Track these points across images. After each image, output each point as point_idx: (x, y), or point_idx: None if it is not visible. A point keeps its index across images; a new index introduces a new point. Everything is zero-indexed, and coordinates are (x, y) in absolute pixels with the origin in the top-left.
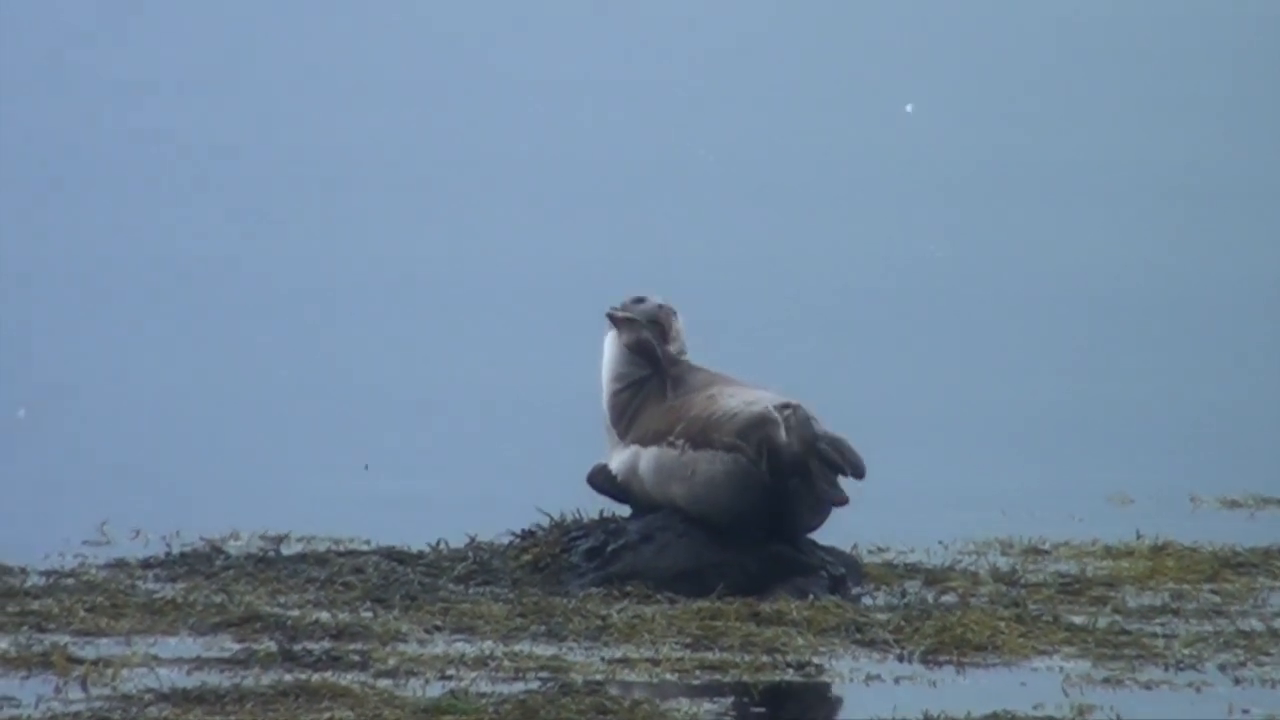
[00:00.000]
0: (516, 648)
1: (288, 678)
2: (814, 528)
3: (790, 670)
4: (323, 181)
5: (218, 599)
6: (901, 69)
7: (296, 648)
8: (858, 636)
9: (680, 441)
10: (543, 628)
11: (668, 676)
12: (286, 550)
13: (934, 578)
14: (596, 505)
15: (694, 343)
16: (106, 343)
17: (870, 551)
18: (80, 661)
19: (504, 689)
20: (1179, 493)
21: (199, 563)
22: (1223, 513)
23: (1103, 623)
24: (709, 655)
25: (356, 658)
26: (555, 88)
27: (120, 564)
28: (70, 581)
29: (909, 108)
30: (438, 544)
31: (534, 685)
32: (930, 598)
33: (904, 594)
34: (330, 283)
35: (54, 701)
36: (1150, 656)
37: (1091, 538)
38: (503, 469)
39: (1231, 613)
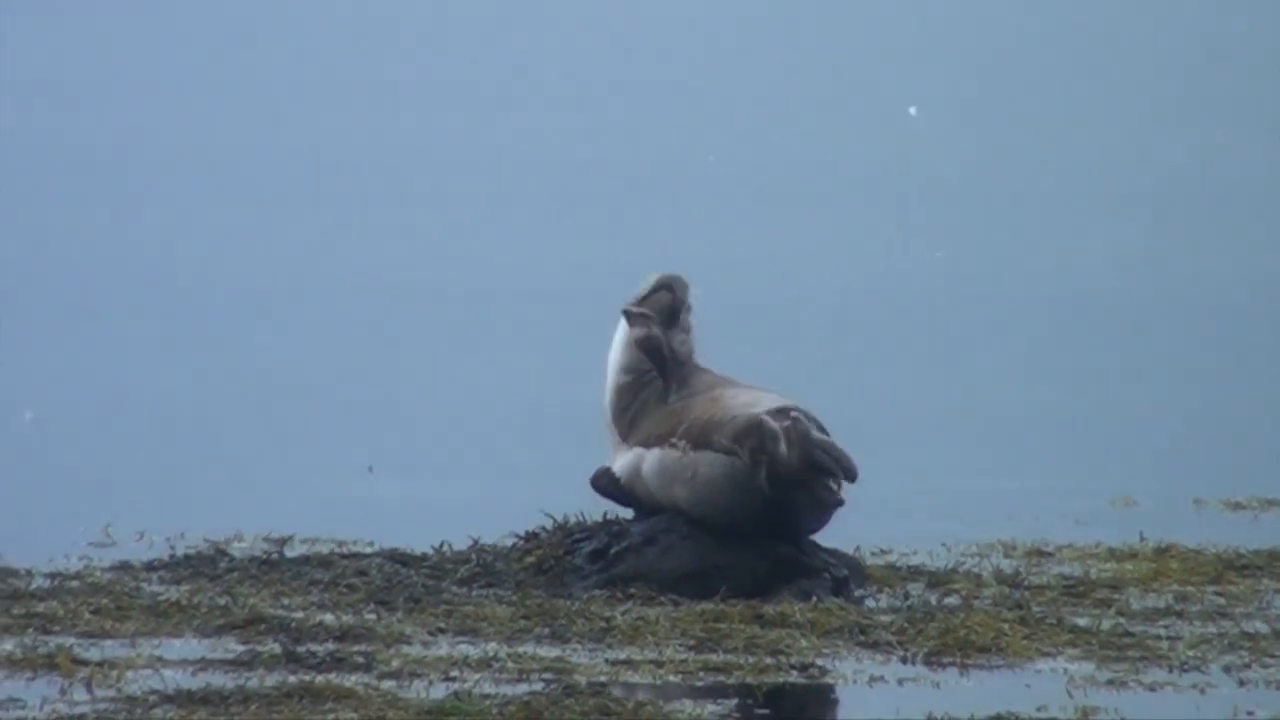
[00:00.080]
0: (520, 649)
1: (292, 679)
2: (815, 530)
3: (794, 672)
4: (323, 182)
5: (222, 601)
6: (905, 71)
7: (300, 649)
8: (861, 638)
9: (682, 443)
10: (546, 630)
11: (671, 678)
12: (290, 552)
13: (937, 580)
14: (600, 507)
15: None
16: (110, 345)
17: (873, 554)
18: (85, 663)
19: (508, 690)
20: (1183, 495)
21: (203, 565)
22: (1227, 515)
23: (1107, 625)
24: (713, 657)
25: (360, 659)
26: (556, 88)
27: (125, 566)
28: (75, 583)
29: (913, 110)
30: (441, 546)
31: (538, 687)
32: (933, 600)
33: (907, 596)
34: (332, 285)
35: (59, 703)
36: (1154, 658)
37: (1095, 540)
38: (506, 471)
39: (1236, 615)
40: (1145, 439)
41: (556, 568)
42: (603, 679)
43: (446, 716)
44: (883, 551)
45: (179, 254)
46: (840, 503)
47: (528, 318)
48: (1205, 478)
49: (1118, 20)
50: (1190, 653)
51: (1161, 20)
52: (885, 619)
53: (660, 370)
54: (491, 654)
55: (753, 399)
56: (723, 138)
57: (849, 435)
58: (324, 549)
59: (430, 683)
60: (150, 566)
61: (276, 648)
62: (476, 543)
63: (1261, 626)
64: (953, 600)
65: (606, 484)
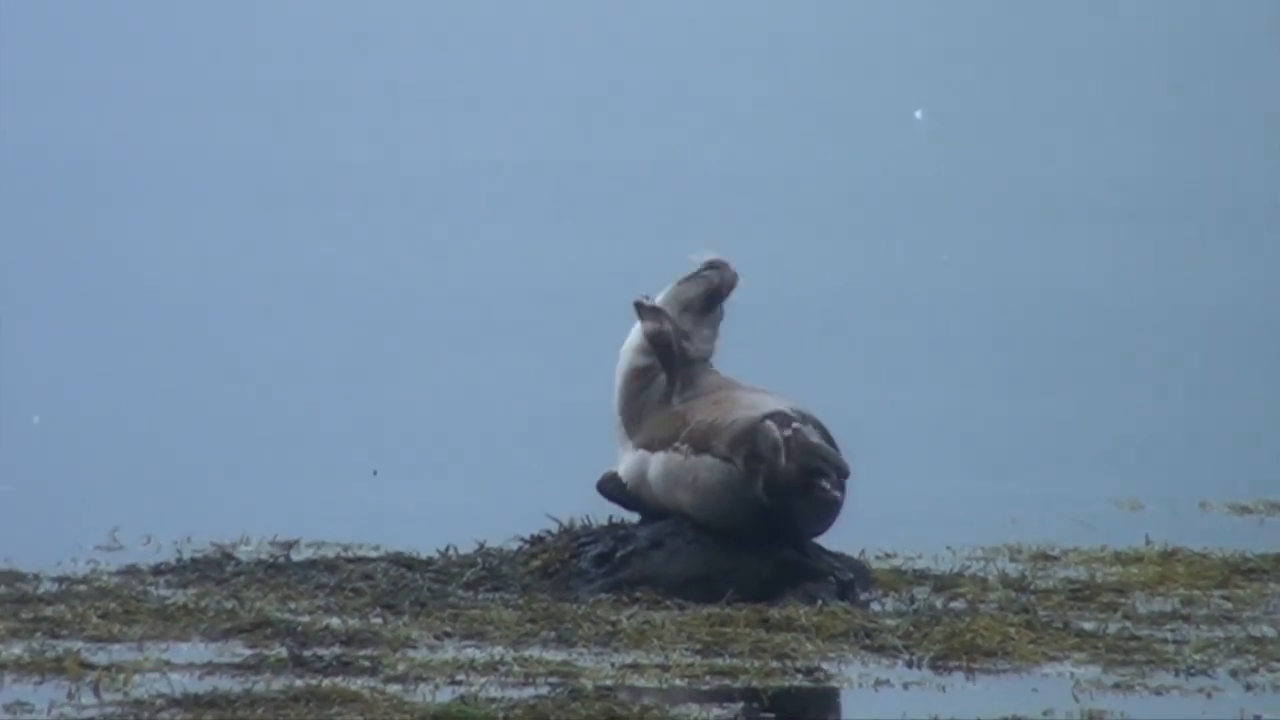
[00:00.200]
0: (526, 653)
1: (298, 683)
2: (818, 534)
3: (799, 676)
4: (324, 188)
5: (229, 605)
6: (908, 74)
7: (307, 653)
8: (867, 642)
9: (684, 447)
10: (552, 633)
11: (677, 682)
12: (296, 556)
13: (943, 584)
14: (605, 511)
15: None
16: (116, 349)
17: (878, 557)
18: (93, 667)
19: (514, 694)
20: (1188, 498)
21: (210, 569)
22: (1232, 518)
23: (1113, 629)
24: (718, 661)
25: (366, 663)
26: (557, 91)
27: (132, 570)
28: (82, 588)
29: (918, 114)
30: (447, 550)
31: (544, 691)
32: (939, 604)
33: (913, 600)
34: (336, 288)
35: (67, 707)
36: (1161, 662)
37: (1101, 544)
38: (511, 475)
39: (1242, 618)
40: (1151, 442)
41: (562, 571)
42: (609, 683)
43: None
44: (888, 555)
45: (183, 258)
46: (836, 499)
47: (532, 320)
48: (1211, 481)
49: (1119, 26)
50: (1197, 657)
51: (1162, 27)
52: (891, 623)
53: (666, 366)
54: (497, 658)
55: (755, 403)
56: (725, 140)
57: (853, 440)
58: (330, 553)
59: (436, 686)
60: (157, 570)
61: (283, 652)
62: (482, 546)
63: (1268, 630)
64: (958, 604)
65: (612, 488)
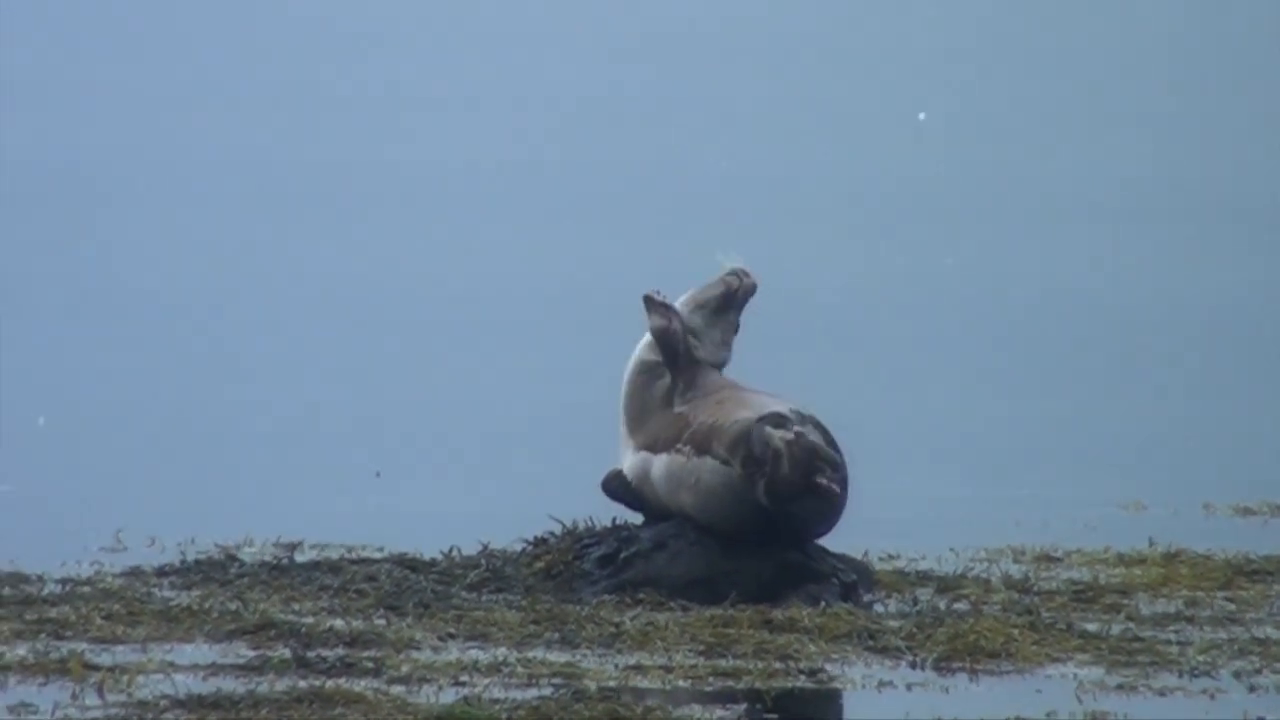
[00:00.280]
0: (529, 655)
1: (302, 684)
2: (821, 534)
3: (803, 677)
4: (324, 189)
5: (232, 606)
6: (912, 76)
7: (310, 655)
8: (870, 643)
9: (687, 448)
10: (556, 635)
11: (680, 683)
12: (300, 558)
13: (946, 585)
14: (609, 512)
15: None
16: (121, 351)
17: (881, 559)
18: (97, 668)
19: (517, 695)
20: (1192, 500)
21: (214, 570)
22: (1236, 520)
23: (1116, 630)
24: (722, 662)
25: (370, 664)
26: (559, 93)
27: (136, 571)
28: (87, 589)
29: (922, 115)
30: (450, 551)
31: (547, 692)
32: (942, 605)
33: (916, 601)
34: (337, 289)
35: (71, 708)
36: (1164, 663)
37: (1104, 545)
38: (515, 476)
39: (1246, 620)
40: (1154, 444)
41: (566, 573)
42: (612, 684)
43: None
44: (891, 557)
45: (185, 258)
46: (836, 492)
47: (534, 320)
48: (1214, 483)
49: (1119, 27)
50: (1200, 658)
51: (1162, 27)
52: (894, 624)
53: (671, 365)
54: (501, 659)
55: (756, 405)
56: (725, 140)
57: (855, 441)
58: (334, 554)
59: (440, 688)
60: (161, 572)
61: (287, 653)
62: (486, 548)
63: (1272, 632)
64: (962, 605)
65: (617, 486)
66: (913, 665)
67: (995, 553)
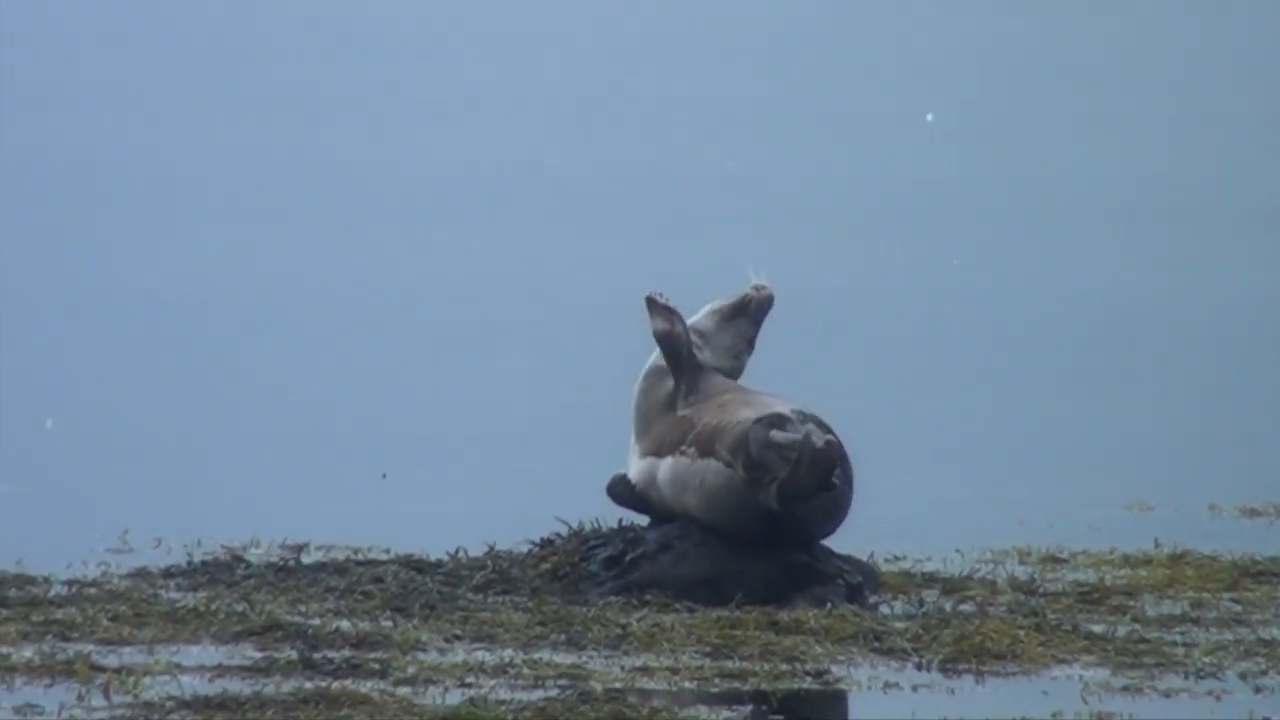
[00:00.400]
0: (536, 656)
1: (308, 686)
2: (826, 535)
3: (809, 678)
4: (324, 190)
5: (239, 607)
6: (910, 77)
7: (317, 656)
8: (876, 645)
9: (691, 450)
10: (562, 636)
11: (687, 685)
12: (306, 559)
13: (952, 586)
14: (615, 514)
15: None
16: (127, 353)
17: (887, 560)
18: (103, 669)
19: (523, 697)
20: (1198, 501)
21: (220, 571)
22: (1242, 521)
23: (1122, 631)
24: (728, 663)
25: (376, 666)
26: (561, 96)
27: (142, 573)
28: (93, 590)
29: (930, 117)
30: (456, 553)
31: (553, 693)
32: (948, 606)
33: (922, 603)
34: (339, 290)
35: (77, 709)
36: (1170, 665)
37: (1110, 546)
38: (521, 478)
39: (1252, 621)
40: (1160, 445)
41: (572, 574)
42: (618, 685)
43: None
44: (897, 558)
45: (187, 260)
46: (835, 486)
47: (538, 322)
48: (1221, 484)
49: (1122, 28)
50: (1206, 659)
51: (1165, 28)
52: (900, 625)
53: (674, 368)
54: (507, 660)
55: (759, 406)
56: (725, 141)
57: (862, 442)
58: (340, 556)
59: (446, 689)
60: (168, 573)
61: (293, 654)
62: (492, 549)
63: (1278, 633)
64: (968, 607)
65: (622, 490)
66: (918, 667)
67: (1001, 554)
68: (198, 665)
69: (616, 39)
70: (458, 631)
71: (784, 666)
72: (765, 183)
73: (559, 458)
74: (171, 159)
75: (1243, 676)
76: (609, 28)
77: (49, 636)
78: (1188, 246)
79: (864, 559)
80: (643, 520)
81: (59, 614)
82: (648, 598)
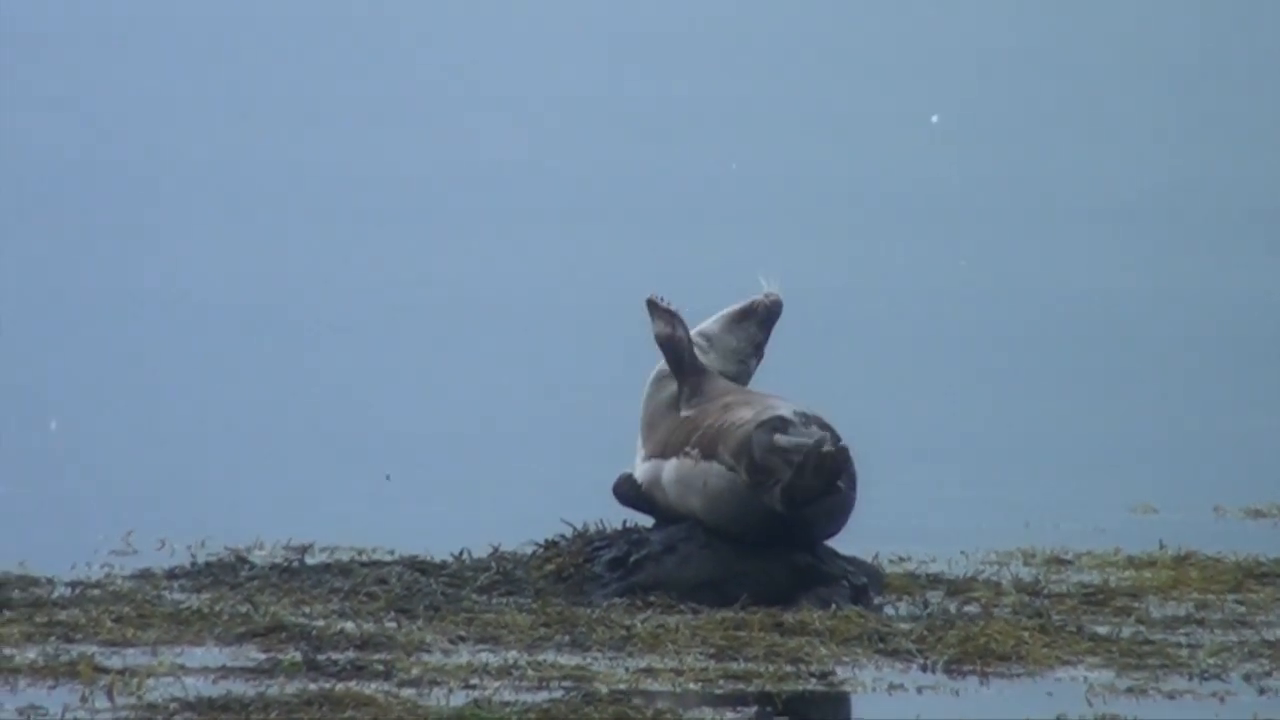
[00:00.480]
0: (540, 657)
1: (312, 687)
2: (830, 536)
3: (813, 680)
4: (329, 195)
5: (243, 609)
6: (911, 79)
7: (321, 657)
8: (881, 646)
9: (694, 451)
10: (566, 637)
11: (691, 686)
12: (310, 560)
13: (957, 588)
14: (619, 516)
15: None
16: (131, 355)
17: (892, 561)
18: (106, 671)
19: (528, 698)
20: (1203, 502)
21: (224, 573)
22: (1247, 523)
23: (1126, 633)
24: (732, 665)
25: (380, 667)
26: (559, 94)
27: (146, 574)
28: (97, 592)
29: (935, 118)
30: (461, 554)
31: (558, 695)
32: (953, 608)
33: (926, 604)
34: (345, 294)
35: (80, 711)
36: (1174, 666)
37: (1114, 548)
38: (525, 479)
39: (1256, 623)
40: (1165, 447)
41: (576, 576)
42: (623, 687)
43: None
44: (901, 559)
45: (198, 268)
46: (840, 490)
47: (543, 324)
48: (1225, 485)
49: (1125, 29)
50: (1210, 661)
51: (1168, 30)
52: (905, 627)
53: (676, 371)
54: (511, 662)
55: (761, 408)
56: (726, 142)
57: (865, 443)
58: (344, 557)
59: (450, 690)
60: (171, 574)
61: (297, 656)
62: (496, 550)
63: None
64: (972, 608)
65: (628, 489)
66: (923, 668)
67: (1005, 555)
68: (201, 667)
69: (617, 39)
70: (462, 633)
71: (789, 668)
72: (766, 183)
73: (563, 459)
74: (171, 159)
75: (1247, 678)
76: (609, 28)
77: (53, 638)
78: (1195, 248)
79: (869, 560)
80: (647, 522)
81: (63, 615)
82: (652, 599)
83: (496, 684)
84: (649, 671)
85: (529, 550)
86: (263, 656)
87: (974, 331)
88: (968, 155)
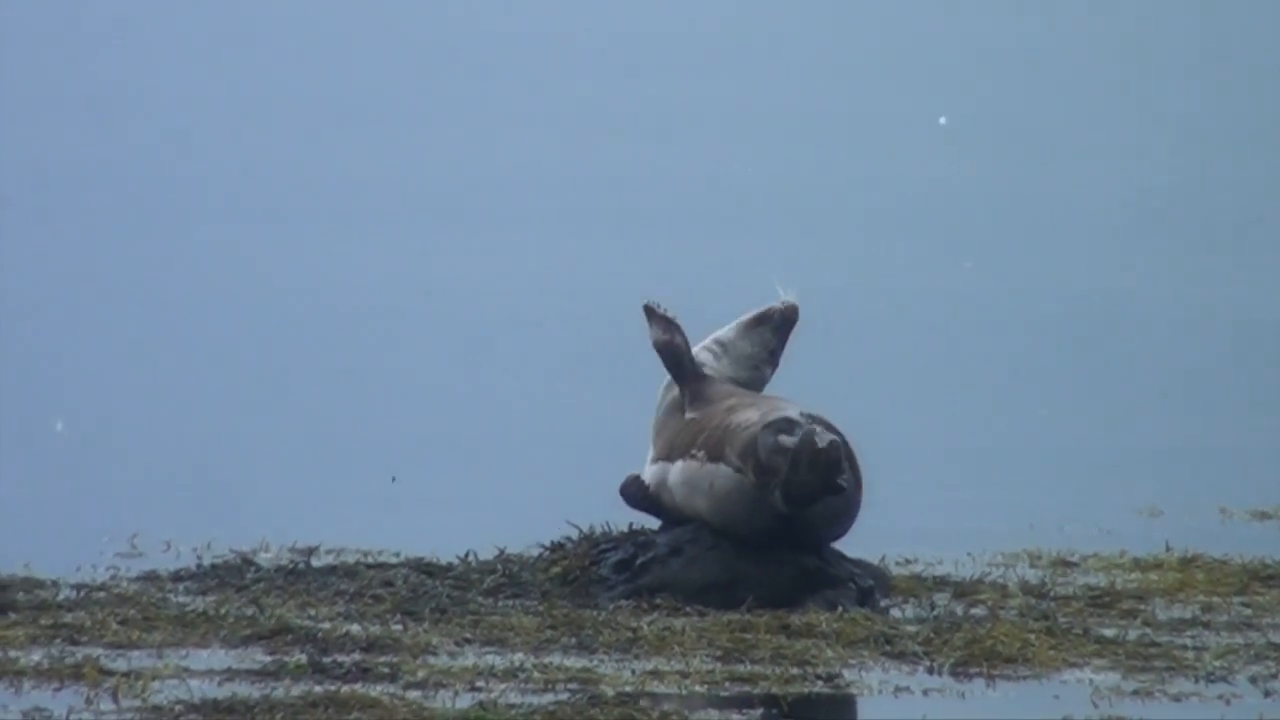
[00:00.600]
0: (546, 660)
1: (318, 689)
2: (836, 537)
3: (819, 682)
4: (332, 198)
5: (248, 611)
6: (912, 80)
7: (326, 660)
8: (887, 648)
9: (700, 453)
10: (573, 640)
11: (697, 688)
12: (316, 563)
13: (963, 590)
14: (625, 518)
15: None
16: (136, 357)
17: (898, 564)
18: (112, 673)
19: (534, 700)
20: (1208, 505)
21: (229, 575)
22: (1253, 525)
23: (1133, 635)
24: (739, 667)
25: (386, 670)
26: (559, 94)
27: (151, 576)
28: (102, 594)
29: (942, 120)
30: (467, 556)
31: (564, 697)
32: (959, 610)
33: (933, 606)
34: (350, 295)
35: (85, 713)
36: (1180, 669)
37: (1120, 550)
38: (531, 481)
39: (1262, 625)
40: (1171, 449)
41: (582, 578)
42: (629, 689)
43: None
44: (908, 562)
45: (201, 268)
46: (842, 489)
47: (547, 325)
48: (1231, 487)
49: (1129, 30)
50: (1216, 663)
51: (1181, 34)
52: (911, 629)
53: (676, 377)
54: (517, 664)
55: (766, 409)
56: (727, 144)
57: (870, 445)
58: (350, 559)
59: (456, 693)
60: (177, 577)
61: (303, 658)
62: (502, 553)
63: None
64: (979, 610)
65: (635, 491)
66: (930, 670)
67: (1012, 557)
68: (207, 669)
69: (619, 41)
70: (468, 635)
71: (795, 670)
72: (769, 184)
73: (568, 461)
74: (172, 159)
75: (1253, 680)
76: (611, 30)
77: (57, 640)
78: (1202, 251)
79: (875, 562)
80: (653, 524)
81: (68, 618)
82: (658, 601)
83: (502, 686)
84: (655, 674)
85: (535, 552)
86: (268, 659)
87: (979, 333)
88: (969, 157)
